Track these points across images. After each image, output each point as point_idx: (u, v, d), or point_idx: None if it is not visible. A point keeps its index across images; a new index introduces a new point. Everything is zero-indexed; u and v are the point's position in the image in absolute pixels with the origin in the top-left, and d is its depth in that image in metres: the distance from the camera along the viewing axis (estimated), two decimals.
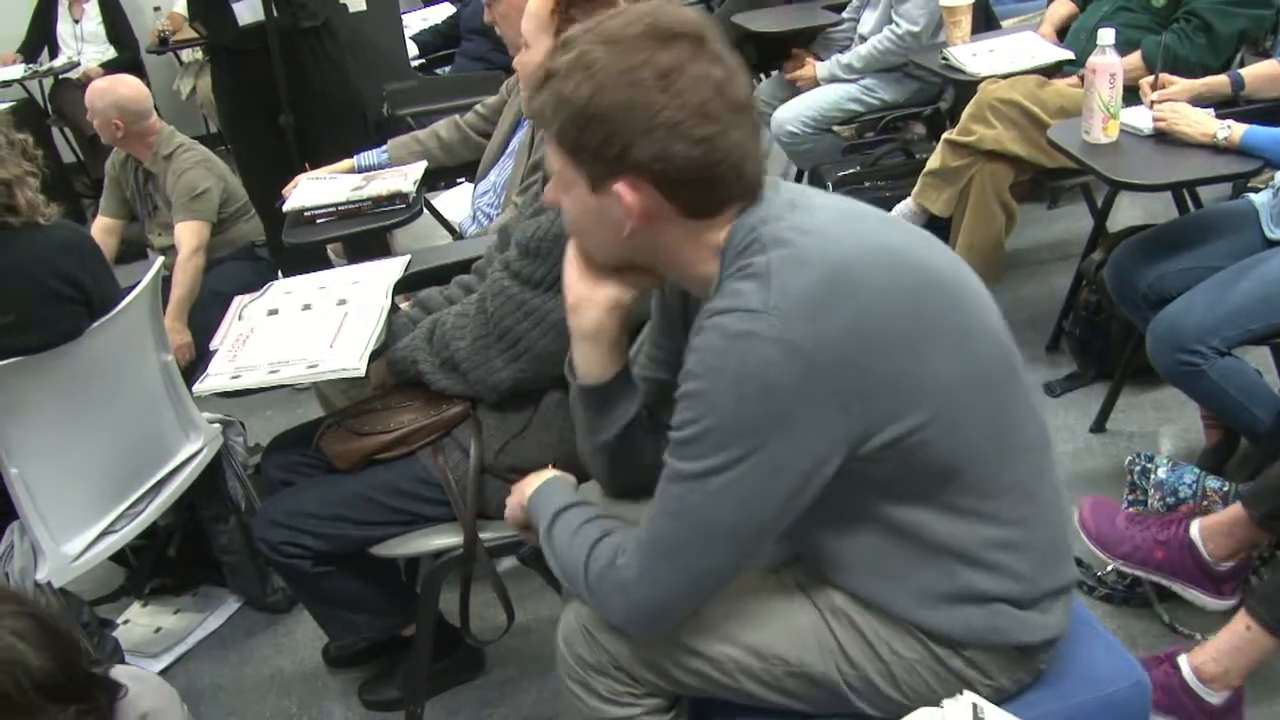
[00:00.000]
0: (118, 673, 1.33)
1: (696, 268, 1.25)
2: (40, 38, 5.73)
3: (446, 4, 5.29)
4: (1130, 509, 2.23)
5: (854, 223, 1.23)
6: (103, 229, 3.59)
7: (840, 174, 3.47)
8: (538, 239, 1.71)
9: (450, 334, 1.85)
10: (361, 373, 1.80)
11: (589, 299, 1.33)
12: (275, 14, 3.21)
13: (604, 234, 1.26)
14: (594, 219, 1.25)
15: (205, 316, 3.23)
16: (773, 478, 1.16)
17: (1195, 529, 2.02)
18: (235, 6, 3.24)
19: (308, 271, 2.28)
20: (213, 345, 1.98)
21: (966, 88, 3.03)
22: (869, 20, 3.73)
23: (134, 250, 3.96)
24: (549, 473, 1.50)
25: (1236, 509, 1.98)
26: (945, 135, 2.97)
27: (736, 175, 1.20)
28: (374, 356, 1.85)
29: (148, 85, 3.59)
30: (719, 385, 1.14)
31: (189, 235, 3.36)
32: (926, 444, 1.20)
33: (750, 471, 1.15)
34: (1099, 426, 2.78)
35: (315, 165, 2.96)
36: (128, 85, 3.41)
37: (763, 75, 4.48)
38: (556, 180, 1.26)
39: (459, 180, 3.32)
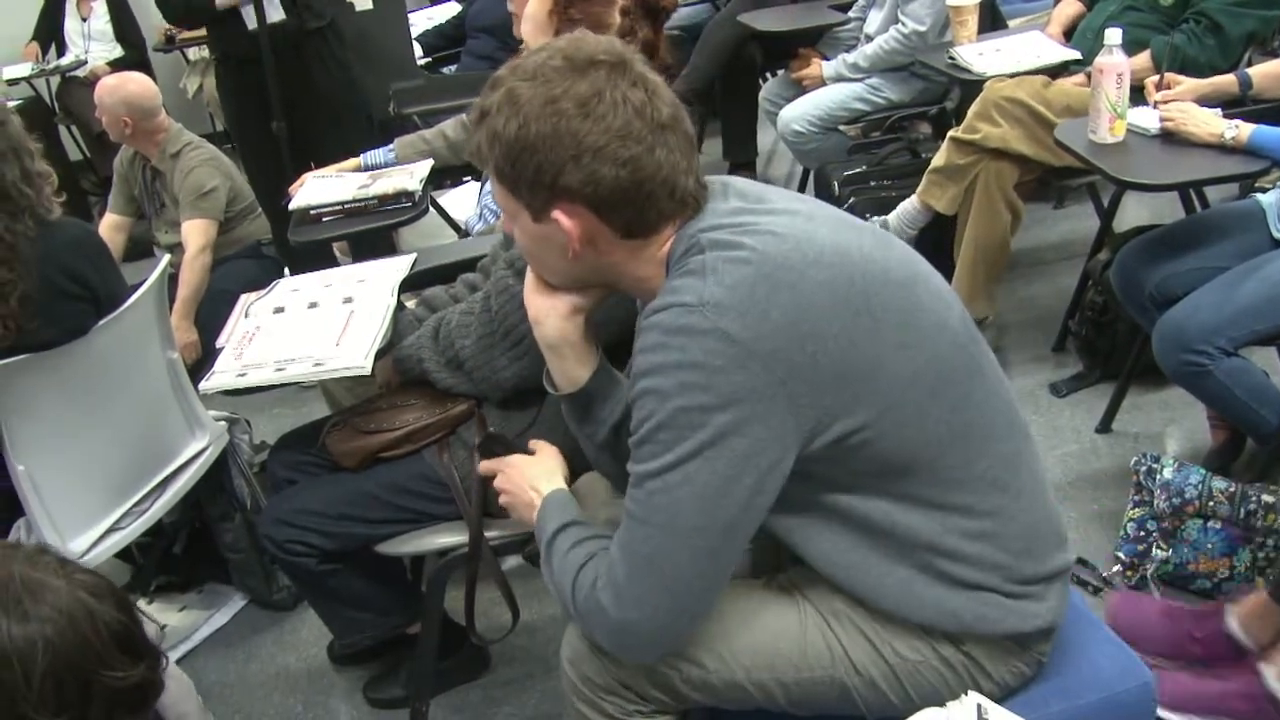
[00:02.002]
0: None
1: (646, 284, 1.28)
2: (49, 35, 5.73)
3: (452, 3, 5.29)
4: (1157, 585, 2.22)
5: (802, 223, 1.23)
6: (110, 225, 3.60)
7: (846, 173, 3.46)
8: None
9: (455, 333, 1.85)
10: (367, 371, 1.80)
11: (548, 308, 1.35)
12: (280, 17, 3.22)
13: (553, 259, 1.29)
14: (541, 246, 1.28)
15: (212, 314, 3.24)
16: (730, 472, 1.16)
17: (1233, 622, 1.95)
18: (244, 11, 3.24)
19: (314, 269, 2.28)
20: (219, 343, 1.98)
21: (972, 87, 3.03)
22: (875, 20, 3.73)
23: (140, 248, 3.97)
24: (541, 470, 1.48)
25: (1265, 598, 1.92)
26: (951, 133, 2.96)
27: (668, 192, 1.22)
28: (380, 355, 1.85)
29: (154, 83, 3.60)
30: (664, 379, 1.16)
31: (196, 234, 3.36)
32: (881, 438, 1.21)
33: (707, 466, 1.16)
34: (1105, 427, 2.78)
35: (320, 165, 2.96)
36: (136, 83, 3.42)
37: (768, 74, 4.48)
38: (504, 213, 1.30)
39: (465, 179, 3.33)
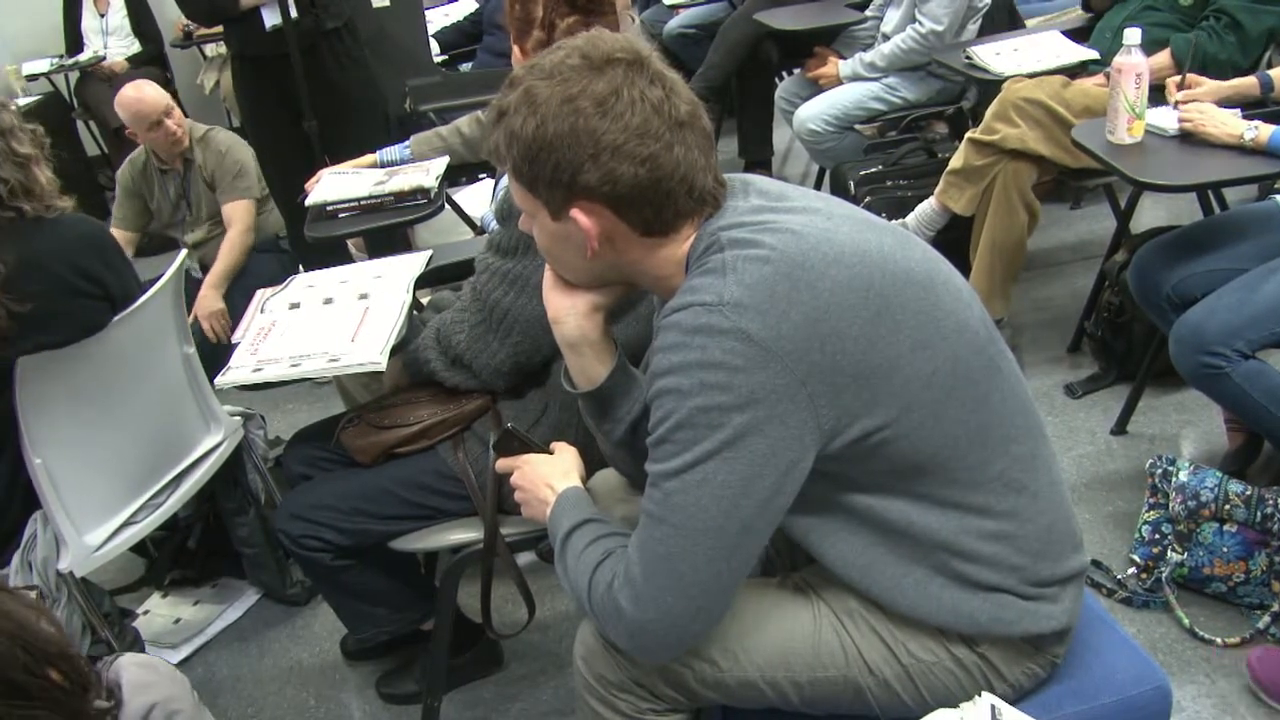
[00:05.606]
0: (127, 661, 1.33)
1: (666, 282, 1.28)
2: (75, 34, 5.76)
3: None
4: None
5: (822, 221, 1.23)
6: (119, 240, 3.60)
7: (862, 173, 3.46)
8: (508, 203, 1.72)
9: (450, 329, 1.86)
10: (382, 367, 1.80)
11: (568, 308, 1.35)
12: (298, 17, 3.23)
13: (571, 257, 1.29)
14: (560, 244, 1.28)
15: (229, 308, 3.26)
16: (749, 472, 1.16)
17: None
18: (264, 11, 3.25)
19: (329, 266, 2.29)
20: (235, 338, 1.99)
21: (990, 87, 3.03)
22: (892, 19, 3.72)
23: (157, 243, 3.98)
24: (557, 468, 1.47)
25: None
26: (968, 134, 2.95)
27: (687, 190, 1.22)
28: (395, 351, 1.86)
29: (171, 79, 3.61)
30: (683, 379, 1.15)
31: (241, 213, 3.40)
32: (899, 438, 1.20)
33: (726, 466, 1.15)
34: (1120, 428, 2.77)
35: (336, 162, 2.96)
36: (151, 85, 3.46)
37: (784, 73, 4.47)
38: (523, 211, 1.30)
39: (480, 176, 3.33)
